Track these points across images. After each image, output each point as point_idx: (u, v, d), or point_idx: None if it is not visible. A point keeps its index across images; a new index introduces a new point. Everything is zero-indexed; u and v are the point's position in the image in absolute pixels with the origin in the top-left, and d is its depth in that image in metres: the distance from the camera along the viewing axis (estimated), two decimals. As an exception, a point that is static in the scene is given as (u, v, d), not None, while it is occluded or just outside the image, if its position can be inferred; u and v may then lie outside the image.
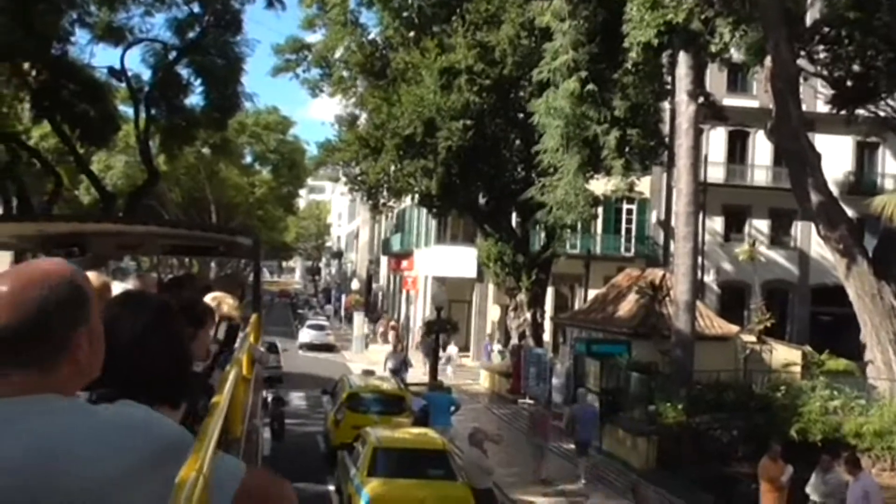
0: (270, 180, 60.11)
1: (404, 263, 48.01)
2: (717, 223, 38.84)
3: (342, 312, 55.78)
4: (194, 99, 29.00)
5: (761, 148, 40.76)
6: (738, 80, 40.29)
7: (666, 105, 27.05)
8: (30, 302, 1.41)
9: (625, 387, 19.48)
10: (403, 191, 30.29)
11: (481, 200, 31.01)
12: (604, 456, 18.81)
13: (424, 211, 41.58)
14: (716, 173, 37.41)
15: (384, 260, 58.46)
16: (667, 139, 27.37)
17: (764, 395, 20.55)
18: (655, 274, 25.53)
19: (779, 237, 41.21)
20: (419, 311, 43.16)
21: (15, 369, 1.41)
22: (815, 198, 22.40)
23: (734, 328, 24.18)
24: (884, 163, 42.10)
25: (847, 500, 11.13)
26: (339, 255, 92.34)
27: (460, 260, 38.28)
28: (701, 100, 22.91)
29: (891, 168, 41.66)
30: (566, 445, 18.48)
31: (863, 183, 42.22)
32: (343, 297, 58.82)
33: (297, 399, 25.60)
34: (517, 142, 28.33)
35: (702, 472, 17.89)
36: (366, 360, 35.99)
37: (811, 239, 41.67)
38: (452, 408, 17.62)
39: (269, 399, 17.00)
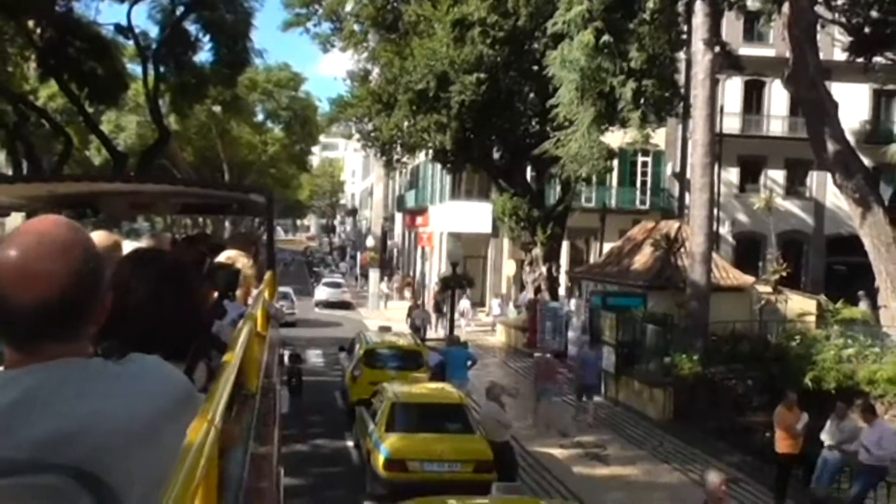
0: (283, 138, 59.91)
1: (419, 220, 47.94)
2: (732, 174, 38.47)
3: (357, 270, 55.99)
4: (203, 56, 28.77)
5: (777, 97, 40.20)
6: (754, 28, 39.59)
7: (681, 55, 26.63)
8: (68, 274, 1.35)
9: (640, 339, 19.51)
10: (417, 146, 30.12)
11: (496, 155, 30.81)
12: (620, 407, 18.92)
13: (439, 167, 41.31)
14: (731, 124, 36.93)
15: (399, 217, 58.41)
16: (682, 90, 27.00)
17: (779, 346, 20.56)
18: (670, 226, 25.38)
19: (794, 187, 40.91)
20: (434, 268, 43.23)
21: (51, 342, 1.37)
22: (831, 147, 22.11)
23: (749, 279, 24.06)
24: (900, 111, 41.50)
25: (862, 446, 11.17)
26: (353, 212, 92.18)
27: (475, 215, 38.16)
28: (717, 49, 22.51)
29: (907, 117, 41.09)
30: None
31: (879, 132, 41.68)
32: (358, 255, 58.98)
33: (313, 356, 25.84)
34: (531, 95, 28.01)
35: (717, 422, 18.00)
36: (382, 317, 36.18)
37: (826, 189, 41.22)
38: (469, 362, 17.71)
39: (287, 356, 17.18)
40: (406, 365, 17.38)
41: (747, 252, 37.42)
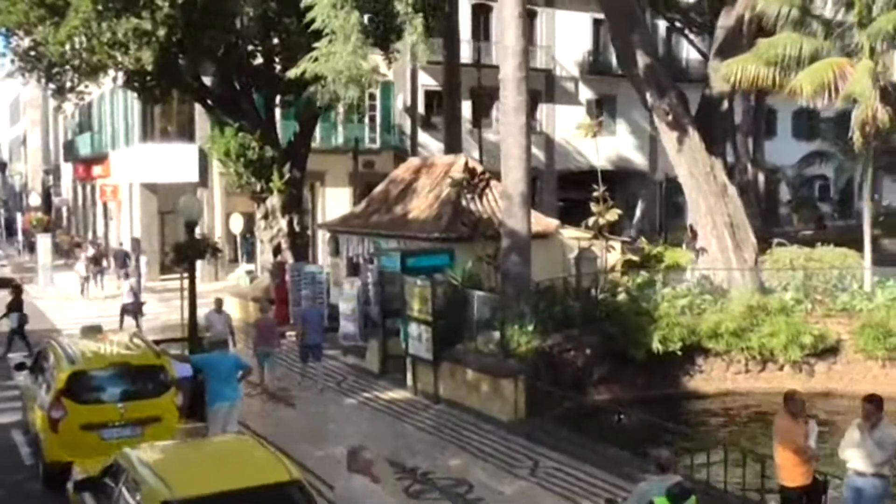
0: None
1: (97, 169, 38.82)
2: (464, 108, 34.77)
3: (20, 237, 44.89)
4: None
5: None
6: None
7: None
8: None
9: (460, 310, 14.69)
10: (101, 68, 22.16)
11: (207, 80, 23.99)
12: (443, 405, 14.09)
13: (121, 102, 33.07)
14: (461, 52, 32.89)
15: (67, 167, 47.89)
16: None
17: (608, 302, 17.06)
18: (448, 161, 20.97)
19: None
20: (125, 228, 35.02)
21: None
22: (641, 61, 18.85)
23: (553, 222, 20.39)
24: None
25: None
26: (1, 166, 77.33)
27: (176, 160, 30.87)
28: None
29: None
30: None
31: (599, 63, 40.96)
32: (19, 217, 47.51)
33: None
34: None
35: (567, 409, 14.09)
36: (60, 295, 28.07)
37: (556, 124, 39.96)
38: (240, 372, 11.70)
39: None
40: (142, 391, 10.94)
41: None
